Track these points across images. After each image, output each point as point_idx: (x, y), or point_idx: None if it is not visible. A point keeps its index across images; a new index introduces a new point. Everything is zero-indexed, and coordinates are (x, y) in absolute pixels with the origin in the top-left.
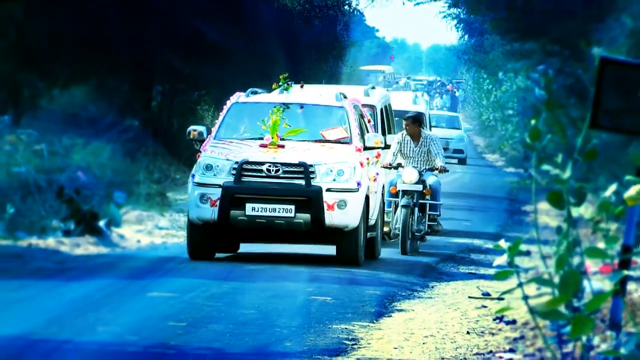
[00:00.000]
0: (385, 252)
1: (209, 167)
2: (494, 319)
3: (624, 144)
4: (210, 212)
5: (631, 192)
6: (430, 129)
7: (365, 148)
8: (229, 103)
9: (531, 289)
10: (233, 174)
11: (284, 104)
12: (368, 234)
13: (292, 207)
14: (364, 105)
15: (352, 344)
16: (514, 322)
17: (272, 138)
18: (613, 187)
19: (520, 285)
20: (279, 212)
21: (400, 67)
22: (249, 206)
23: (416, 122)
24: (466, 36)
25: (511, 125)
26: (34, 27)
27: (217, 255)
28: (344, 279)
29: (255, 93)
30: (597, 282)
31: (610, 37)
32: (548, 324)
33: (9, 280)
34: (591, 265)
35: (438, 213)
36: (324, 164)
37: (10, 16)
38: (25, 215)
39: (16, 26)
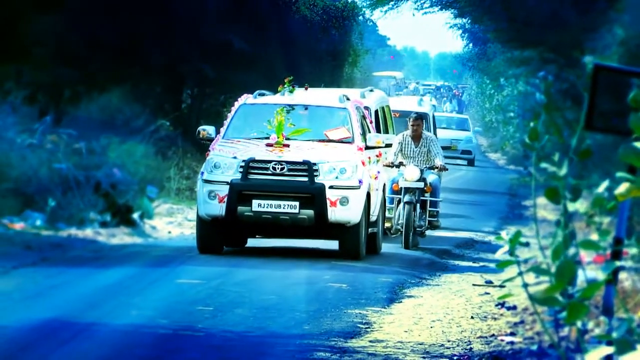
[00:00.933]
0: (386, 247)
1: (217, 165)
2: (496, 305)
3: (616, 144)
4: (218, 208)
5: (621, 188)
6: (435, 131)
7: (367, 147)
8: (236, 104)
9: (530, 278)
10: (240, 172)
11: (289, 105)
12: (369, 229)
13: (297, 203)
14: None
15: (366, 328)
16: (514, 307)
17: (278, 138)
18: (605, 184)
19: (520, 274)
20: (283, 208)
21: (410, 73)
22: (255, 202)
23: (422, 121)
24: (470, 45)
25: (512, 126)
26: (73, 35)
27: (226, 249)
28: (358, 268)
29: (262, 95)
30: (591, 271)
31: (603, 46)
32: (546, 310)
33: (50, 267)
34: (585, 256)
35: (438, 209)
36: (327, 163)
37: (52, 26)
38: (65, 208)
39: (57, 35)
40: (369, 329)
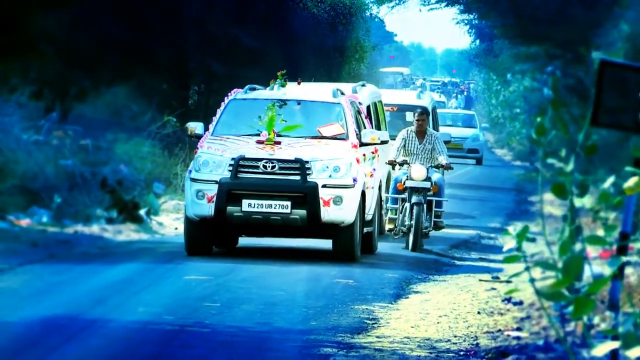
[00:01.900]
0: (388, 247)
1: (205, 164)
2: (503, 300)
3: (621, 140)
4: (207, 208)
5: (630, 182)
6: (437, 127)
7: (362, 144)
8: (226, 99)
9: (537, 273)
10: (230, 170)
11: (281, 100)
12: (365, 229)
13: (288, 203)
14: None
15: (373, 323)
16: (521, 303)
17: (269, 134)
18: (611, 180)
19: (527, 269)
20: (275, 208)
21: (417, 69)
22: (245, 202)
23: (427, 116)
24: (477, 41)
25: (518, 122)
26: (80, 32)
27: (215, 249)
28: (365, 264)
29: (253, 89)
30: (597, 266)
31: (608, 42)
32: (552, 305)
33: (57, 264)
34: (592, 251)
35: (443, 210)
36: (320, 160)
37: (59, 22)
38: (71, 205)
39: (64, 31)
40: (375, 325)
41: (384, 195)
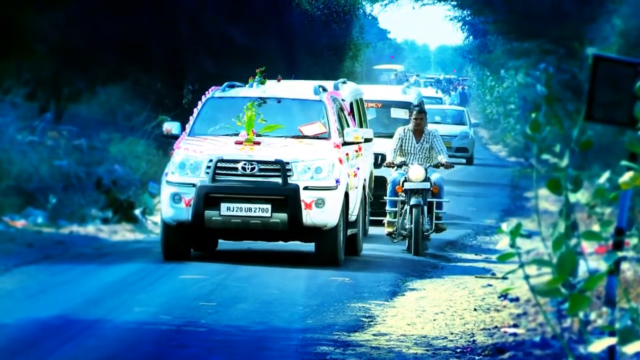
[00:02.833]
0: (389, 248)
1: (182, 166)
2: (499, 297)
3: (616, 135)
4: (184, 213)
5: (625, 177)
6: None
7: (345, 143)
8: (204, 98)
9: (532, 270)
10: (207, 173)
11: (260, 98)
12: (348, 230)
13: (269, 206)
14: None
15: (369, 321)
16: (517, 299)
17: (248, 134)
18: (607, 175)
19: (521, 265)
20: (254, 211)
21: (411, 66)
22: (223, 206)
23: (425, 114)
24: (471, 37)
25: (513, 118)
26: (74, 32)
27: (194, 253)
28: (360, 262)
29: (232, 87)
30: (593, 262)
31: (602, 37)
32: (548, 301)
33: (52, 264)
34: (587, 246)
35: (444, 211)
36: (302, 161)
37: (53, 22)
38: (66, 205)
39: (58, 31)
40: (372, 323)
41: (367, 194)
